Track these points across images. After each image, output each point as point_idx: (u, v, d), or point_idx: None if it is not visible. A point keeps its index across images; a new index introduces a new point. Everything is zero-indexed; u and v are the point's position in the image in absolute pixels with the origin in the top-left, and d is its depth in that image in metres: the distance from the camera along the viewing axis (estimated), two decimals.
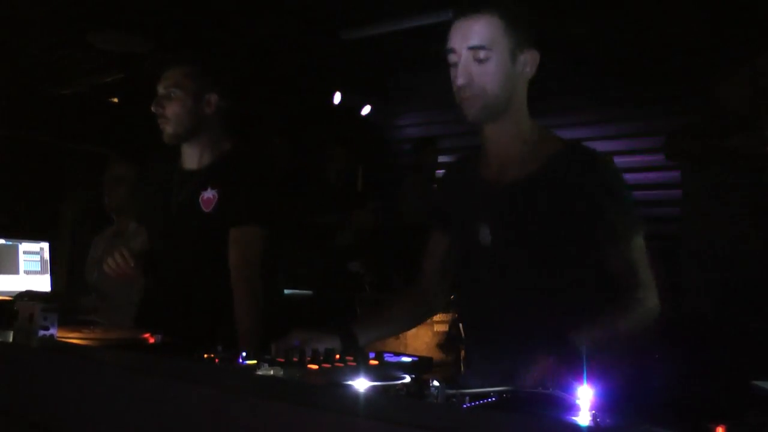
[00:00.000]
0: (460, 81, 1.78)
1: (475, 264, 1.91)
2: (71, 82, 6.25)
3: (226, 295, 2.34)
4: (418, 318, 2.20)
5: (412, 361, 1.53)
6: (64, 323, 2.26)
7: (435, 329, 3.88)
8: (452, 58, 1.80)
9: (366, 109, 6.74)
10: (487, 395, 1.28)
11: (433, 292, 2.10)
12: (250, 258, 2.34)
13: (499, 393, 1.30)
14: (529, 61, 1.80)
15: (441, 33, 1.87)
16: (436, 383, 1.17)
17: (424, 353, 3.10)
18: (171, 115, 2.41)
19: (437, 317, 3.94)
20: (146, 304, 3.05)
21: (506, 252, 1.83)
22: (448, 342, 3.71)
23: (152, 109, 2.42)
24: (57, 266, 4.97)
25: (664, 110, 5.28)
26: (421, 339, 3.82)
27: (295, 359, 1.43)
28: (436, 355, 3.67)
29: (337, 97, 6.38)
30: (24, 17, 4.85)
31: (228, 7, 4.70)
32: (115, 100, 6.65)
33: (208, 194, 2.40)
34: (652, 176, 5.30)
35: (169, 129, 2.44)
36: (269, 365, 1.39)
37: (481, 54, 1.75)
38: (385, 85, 6.79)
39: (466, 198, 1.96)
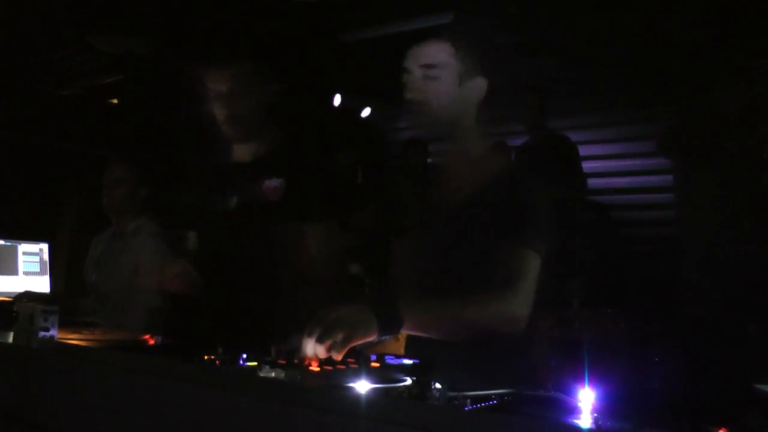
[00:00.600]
0: (409, 95, 1.94)
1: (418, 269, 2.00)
2: (71, 83, 6.26)
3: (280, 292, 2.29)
4: None
5: (414, 364, 1.53)
6: (64, 324, 2.26)
7: None
8: (405, 77, 1.95)
9: (366, 112, 6.74)
10: (488, 397, 1.28)
11: None
12: (330, 255, 2.30)
13: (501, 395, 1.30)
14: (477, 87, 1.94)
15: (441, 35, 1.95)
16: (437, 385, 1.17)
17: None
18: (239, 115, 2.29)
19: None
20: (178, 306, 2.89)
21: (443, 261, 1.93)
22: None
23: (215, 111, 2.29)
24: (56, 267, 4.97)
25: (661, 114, 5.28)
26: None
27: (296, 361, 1.43)
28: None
29: (337, 100, 6.38)
30: (24, 18, 4.85)
31: (227, 9, 4.71)
32: (115, 101, 6.65)
33: (273, 183, 2.30)
34: (651, 180, 5.32)
35: (236, 130, 2.33)
36: (270, 367, 1.39)
37: (431, 72, 1.90)
38: (384, 87, 6.79)
39: (414, 209, 2.08)
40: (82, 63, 5.77)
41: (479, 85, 1.94)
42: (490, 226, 1.85)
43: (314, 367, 1.42)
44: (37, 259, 4.11)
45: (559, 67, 5.47)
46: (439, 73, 1.90)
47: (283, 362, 1.44)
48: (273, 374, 1.38)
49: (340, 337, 1.47)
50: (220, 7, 4.61)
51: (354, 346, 1.52)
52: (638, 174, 5.42)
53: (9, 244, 4.04)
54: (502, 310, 1.76)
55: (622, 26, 4.76)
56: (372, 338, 1.54)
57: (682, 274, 3.56)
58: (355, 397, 1.09)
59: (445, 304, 1.75)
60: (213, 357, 1.68)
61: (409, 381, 1.41)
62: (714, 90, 3.71)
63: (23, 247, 4.08)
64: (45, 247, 4.18)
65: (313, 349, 1.47)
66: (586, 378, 1.43)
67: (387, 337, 1.54)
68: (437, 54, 1.91)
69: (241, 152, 2.41)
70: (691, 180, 3.76)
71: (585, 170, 5.02)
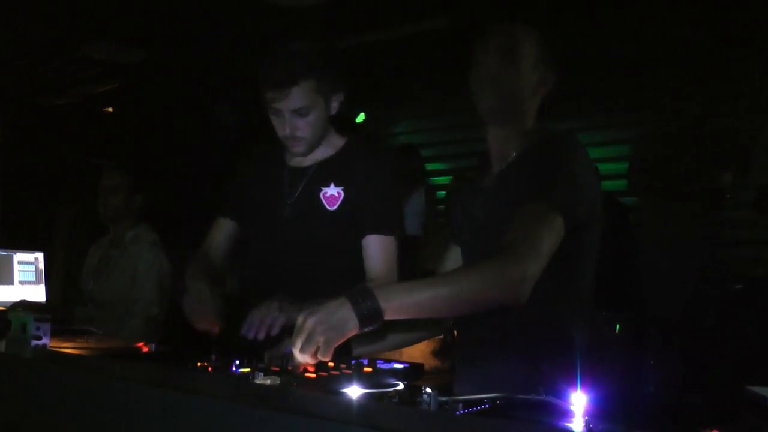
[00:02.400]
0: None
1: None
2: (66, 92, 6.26)
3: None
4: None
5: (404, 368, 1.53)
6: (59, 333, 2.26)
7: None
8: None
9: (361, 117, 6.75)
10: (480, 402, 1.28)
11: None
12: (392, 268, 2.20)
13: (492, 399, 1.30)
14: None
15: (436, 41, 1.93)
16: (428, 390, 1.18)
17: (419, 360, 3.09)
18: (307, 134, 2.20)
19: None
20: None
21: None
22: (442, 349, 3.70)
23: (281, 134, 2.20)
24: (52, 276, 4.97)
25: (656, 118, 5.30)
26: (416, 346, 3.82)
27: (289, 368, 1.43)
28: (432, 362, 3.67)
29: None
30: (18, 28, 4.86)
31: (220, 16, 4.72)
32: (110, 109, 6.65)
33: (332, 191, 2.24)
34: None
35: (303, 147, 2.23)
36: (265, 374, 1.39)
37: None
38: (380, 92, 6.80)
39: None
40: (76, 72, 5.76)
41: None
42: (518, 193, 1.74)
43: (308, 374, 1.42)
44: (32, 268, 4.10)
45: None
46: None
47: (277, 369, 1.45)
48: (268, 381, 1.38)
49: (321, 341, 1.43)
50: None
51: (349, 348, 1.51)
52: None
53: (5, 253, 4.04)
54: (500, 273, 1.57)
55: (615, 32, 4.78)
56: (354, 333, 1.47)
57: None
58: (347, 404, 1.09)
59: (427, 282, 1.62)
60: (206, 364, 1.69)
61: (401, 386, 1.42)
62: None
63: (19, 257, 4.08)
64: (41, 256, 4.17)
65: (301, 358, 1.46)
66: (579, 381, 1.43)
67: (370, 328, 1.47)
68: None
69: (299, 161, 2.33)
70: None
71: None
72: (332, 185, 2.25)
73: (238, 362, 1.62)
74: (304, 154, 2.28)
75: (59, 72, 5.77)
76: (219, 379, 1.42)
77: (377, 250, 2.19)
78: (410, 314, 1.56)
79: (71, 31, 4.91)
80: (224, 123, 6.14)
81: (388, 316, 1.48)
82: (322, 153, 2.30)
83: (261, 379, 1.36)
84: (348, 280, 1.85)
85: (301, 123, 2.17)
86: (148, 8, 4.58)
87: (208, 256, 2.38)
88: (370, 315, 1.46)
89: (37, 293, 4.07)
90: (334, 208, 2.23)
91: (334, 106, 2.25)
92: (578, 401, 1.33)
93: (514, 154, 1.87)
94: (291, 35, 2.20)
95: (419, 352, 3.72)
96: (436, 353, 3.68)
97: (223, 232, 2.42)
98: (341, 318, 1.45)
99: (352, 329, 1.46)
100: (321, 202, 2.24)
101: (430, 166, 6.39)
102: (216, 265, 2.37)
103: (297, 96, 2.13)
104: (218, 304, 2.03)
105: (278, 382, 1.34)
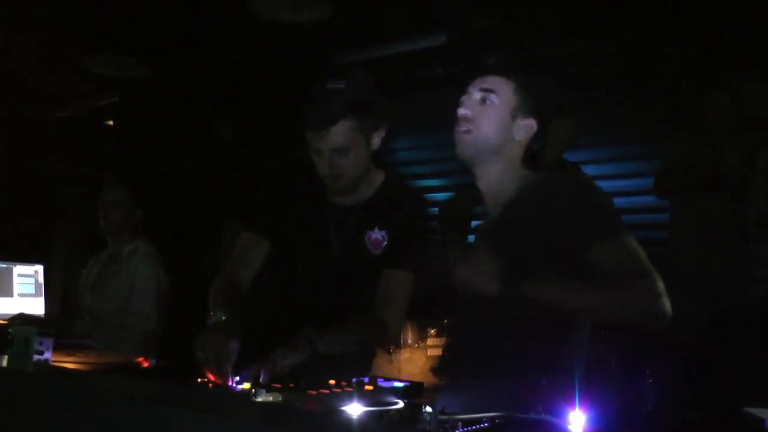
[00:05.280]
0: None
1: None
2: (66, 106, 6.27)
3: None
4: (374, 335, 2.24)
5: (404, 386, 1.54)
6: (58, 347, 2.26)
7: (428, 353, 3.88)
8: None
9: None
10: (479, 420, 1.29)
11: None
12: (406, 306, 2.23)
13: (492, 418, 1.32)
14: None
15: (434, 57, 1.97)
16: (428, 409, 1.19)
17: (418, 378, 3.10)
18: (348, 172, 2.18)
19: (430, 341, 3.95)
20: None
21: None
22: (441, 366, 3.71)
23: (323, 173, 2.18)
24: (52, 289, 4.97)
25: (656, 134, 5.32)
26: (415, 363, 3.82)
27: (291, 384, 1.44)
28: (430, 379, 3.67)
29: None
30: (18, 41, 4.88)
31: (221, 32, 4.75)
32: (111, 123, 6.67)
33: (377, 235, 2.24)
34: (645, 200, 5.33)
35: (345, 183, 2.21)
36: (267, 391, 1.40)
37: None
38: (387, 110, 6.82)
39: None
40: (76, 85, 5.78)
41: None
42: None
43: (311, 391, 1.43)
44: (32, 281, 4.11)
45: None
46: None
47: (279, 386, 1.46)
48: (270, 398, 1.39)
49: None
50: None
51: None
52: (630, 196, 5.43)
53: (5, 265, 4.05)
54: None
55: (615, 48, 4.81)
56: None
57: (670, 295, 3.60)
58: (346, 421, 1.11)
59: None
60: (206, 380, 1.70)
61: (401, 404, 1.43)
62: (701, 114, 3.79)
63: (18, 269, 4.09)
64: (40, 269, 4.18)
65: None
66: (577, 401, 1.45)
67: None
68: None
69: (342, 199, 2.31)
70: (682, 213, 3.84)
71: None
72: (376, 229, 2.25)
73: (237, 379, 1.64)
74: (347, 193, 2.26)
75: (60, 85, 5.78)
76: (219, 396, 1.43)
77: (398, 283, 2.21)
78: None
79: (72, 45, 4.93)
80: (224, 138, 6.16)
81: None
82: (364, 192, 2.28)
83: (263, 396, 1.37)
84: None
85: (342, 162, 2.15)
86: (148, 23, 4.61)
87: (238, 275, 2.27)
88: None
89: (37, 306, 4.08)
90: (379, 251, 2.24)
91: (376, 142, 2.22)
92: (577, 421, 1.34)
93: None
94: (330, 76, 2.14)
95: (418, 369, 3.73)
96: (434, 370, 3.69)
97: (259, 251, 2.30)
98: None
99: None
100: (367, 245, 2.24)
101: (428, 183, 6.41)
102: (244, 285, 2.27)
103: (336, 136, 2.10)
104: (235, 355, 1.82)
105: (280, 399, 1.35)
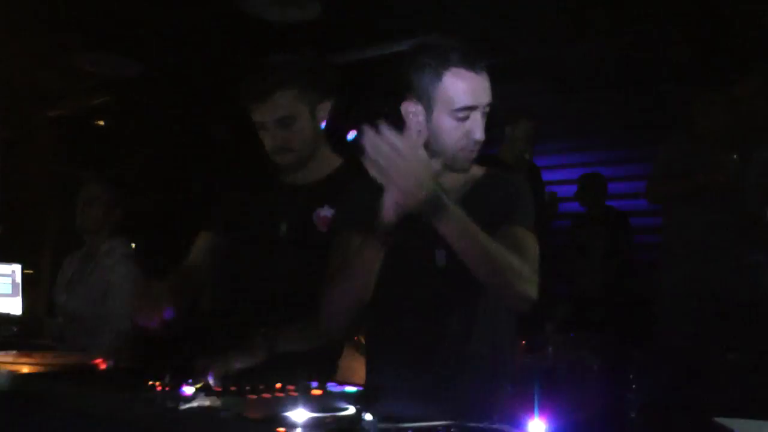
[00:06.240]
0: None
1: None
2: (56, 105, 6.23)
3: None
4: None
5: (357, 392, 1.46)
6: (20, 347, 2.20)
7: None
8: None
9: (352, 134, 6.72)
10: (429, 430, 1.22)
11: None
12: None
13: (443, 427, 1.24)
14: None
15: None
16: (368, 416, 1.11)
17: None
18: (294, 145, 2.15)
19: None
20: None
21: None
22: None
23: (267, 144, 2.15)
24: (33, 288, 4.90)
25: (653, 137, 5.26)
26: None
27: (233, 388, 1.37)
28: None
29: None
30: (10, 40, 4.83)
31: (212, 31, 4.70)
32: (101, 122, 6.61)
33: (326, 212, 2.17)
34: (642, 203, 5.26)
35: (291, 158, 2.17)
36: (206, 395, 1.33)
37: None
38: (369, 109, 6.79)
39: None
40: (66, 84, 5.74)
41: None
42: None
43: (252, 395, 1.36)
44: (9, 280, 4.04)
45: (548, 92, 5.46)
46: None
47: (219, 389, 1.39)
48: (208, 402, 1.32)
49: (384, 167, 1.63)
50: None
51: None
52: (628, 199, 5.36)
53: None
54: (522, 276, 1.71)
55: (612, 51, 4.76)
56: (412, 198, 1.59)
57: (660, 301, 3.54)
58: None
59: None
60: (157, 383, 1.62)
61: (350, 409, 1.35)
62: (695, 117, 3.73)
63: None
64: (18, 268, 4.11)
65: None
66: (536, 409, 1.37)
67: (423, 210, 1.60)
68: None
69: (292, 179, 2.27)
70: (675, 219, 3.79)
71: None
72: (326, 207, 2.17)
73: (191, 381, 1.56)
74: (295, 169, 2.22)
75: (50, 84, 5.74)
76: (161, 402, 1.35)
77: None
78: (458, 237, 1.64)
79: (63, 44, 4.88)
80: (214, 138, 6.11)
81: (445, 223, 1.61)
82: (315, 173, 2.24)
83: (201, 399, 1.30)
84: None
85: (287, 134, 2.11)
86: (141, 22, 4.56)
87: (186, 272, 2.27)
88: (433, 200, 1.58)
89: (13, 305, 4.00)
90: (326, 229, 2.15)
91: (322, 116, 2.18)
92: (535, 429, 1.27)
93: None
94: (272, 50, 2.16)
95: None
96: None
97: (202, 245, 2.32)
98: (418, 171, 1.59)
99: (416, 191, 1.57)
100: (316, 224, 2.17)
101: None
102: (193, 280, 2.26)
103: (276, 106, 2.08)
104: (166, 298, 1.94)
105: (218, 403, 1.28)
